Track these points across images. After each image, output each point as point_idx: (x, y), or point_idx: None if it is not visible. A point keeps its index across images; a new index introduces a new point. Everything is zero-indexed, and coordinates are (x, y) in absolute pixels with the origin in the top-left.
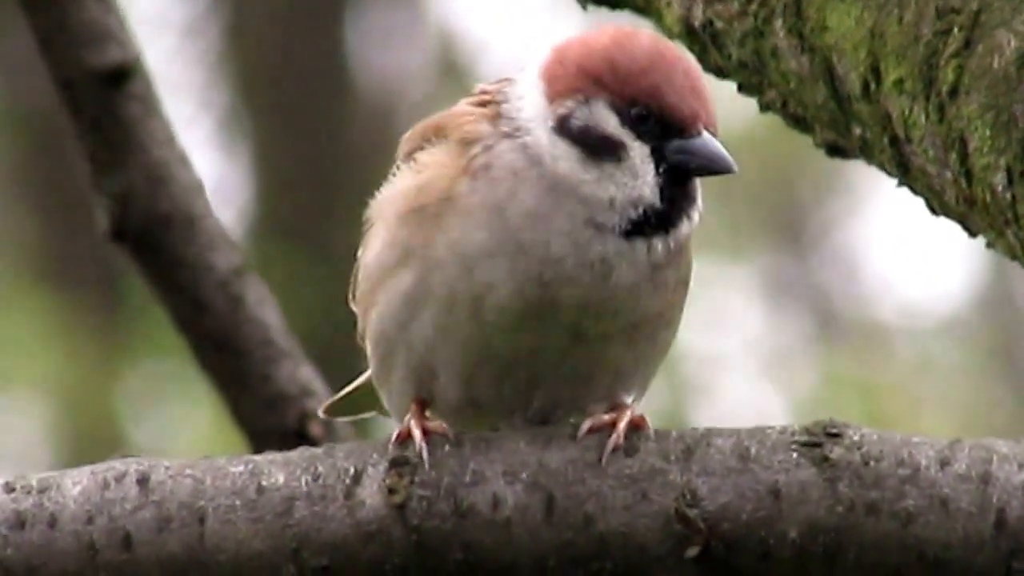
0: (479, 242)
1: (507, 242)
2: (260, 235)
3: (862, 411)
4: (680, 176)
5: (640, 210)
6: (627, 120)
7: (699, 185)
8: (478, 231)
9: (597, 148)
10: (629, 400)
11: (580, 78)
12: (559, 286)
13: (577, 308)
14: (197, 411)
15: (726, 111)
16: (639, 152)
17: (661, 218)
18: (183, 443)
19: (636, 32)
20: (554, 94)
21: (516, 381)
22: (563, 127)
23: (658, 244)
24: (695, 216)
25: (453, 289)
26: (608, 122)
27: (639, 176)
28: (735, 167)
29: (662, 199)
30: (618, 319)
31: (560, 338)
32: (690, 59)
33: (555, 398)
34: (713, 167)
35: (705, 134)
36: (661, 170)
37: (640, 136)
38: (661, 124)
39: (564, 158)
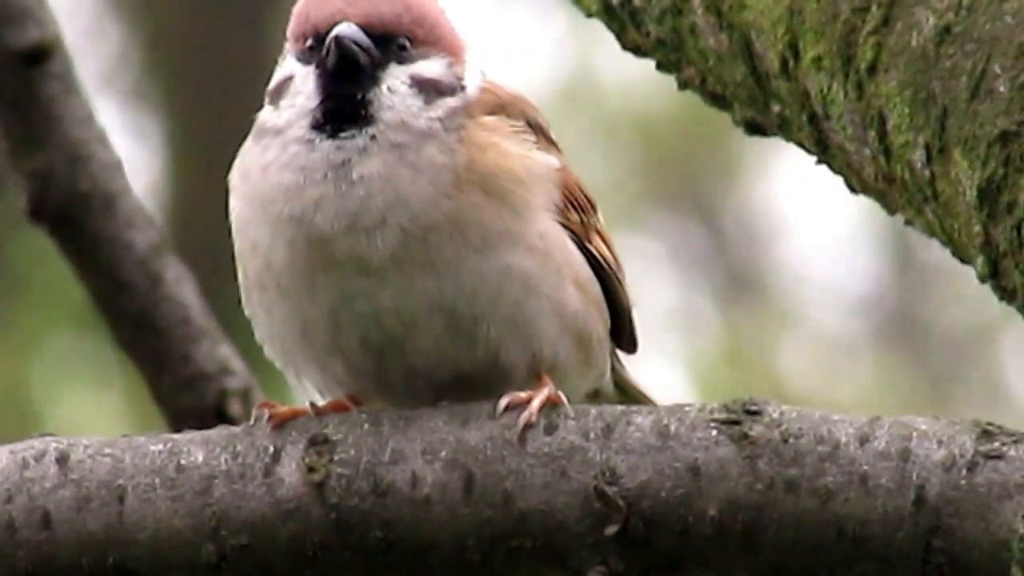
0: (240, 215)
1: (255, 204)
2: (177, 212)
3: (770, 386)
4: (333, 70)
5: (309, 118)
6: (302, 55)
7: (392, 76)
8: (240, 204)
9: (279, 91)
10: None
11: (286, 45)
12: (304, 214)
13: (332, 227)
14: (115, 391)
15: (646, 88)
16: (301, 73)
17: (340, 115)
18: (101, 423)
19: None
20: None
21: (365, 346)
22: (268, 92)
23: (357, 138)
24: (395, 102)
25: (248, 268)
26: (287, 65)
27: (300, 92)
28: (339, 31)
29: (324, 98)
30: (385, 233)
31: (355, 279)
32: None
33: (429, 357)
34: (329, 53)
35: (337, 28)
36: (318, 76)
37: (308, 62)
38: (319, 40)
39: (264, 113)
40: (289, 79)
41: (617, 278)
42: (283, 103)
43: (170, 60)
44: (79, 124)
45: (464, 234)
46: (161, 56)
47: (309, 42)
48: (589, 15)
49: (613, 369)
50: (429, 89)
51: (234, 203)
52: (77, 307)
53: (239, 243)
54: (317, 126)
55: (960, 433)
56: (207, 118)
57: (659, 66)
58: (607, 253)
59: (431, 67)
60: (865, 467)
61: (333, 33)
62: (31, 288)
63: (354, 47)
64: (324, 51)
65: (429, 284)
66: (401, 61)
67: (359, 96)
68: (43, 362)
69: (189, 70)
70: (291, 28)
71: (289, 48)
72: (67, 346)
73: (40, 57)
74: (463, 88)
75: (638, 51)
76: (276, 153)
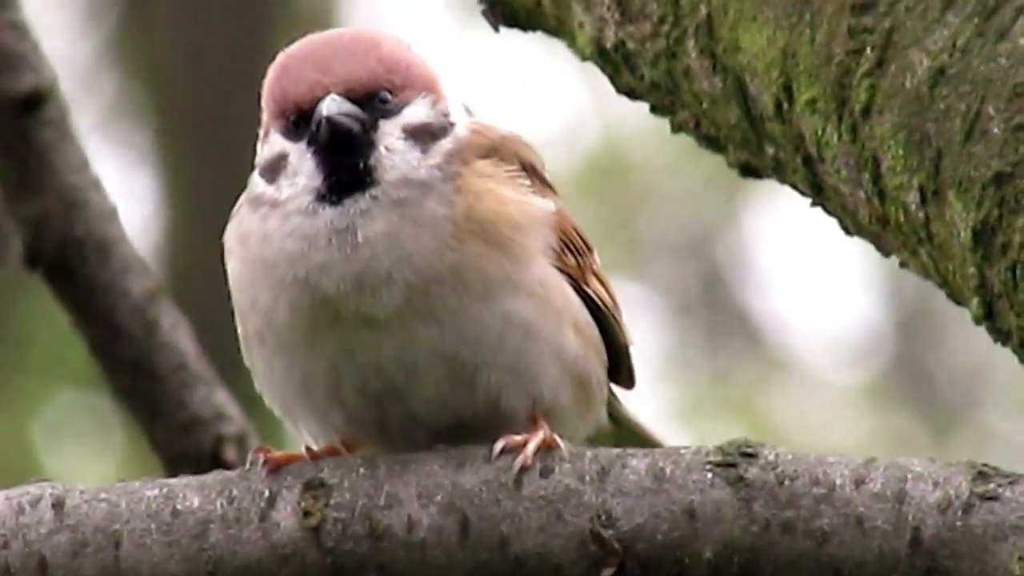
0: (240, 277)
1: (256, 267)
2: (173, 259)
3: (765, 430)
4: (329, 147)
5: (313, 194)
6: (288, 132)
7: (385, 134)
8: (240, 267)
9: (274, 169)
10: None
11: (264, 118)
12: (309, 278)
13: (338, 289)
14: (111, 436)
15: (638, 131)
16: (294, 151)
17: (345, 186)
18: (98, 469)
19: (292, 47)
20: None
21: (364, 395)
22: (260, 168)
23: (360, 201)
24: (395, 160)
25: (248, 324)
26: (274, 142)
27: (299, 172)
28: (328, 110)
29: (327, 175)
30: (391, 289)
31: (357, 333)
32: (338, 36)
33: (429, 404)
34: (320, 131)
35: (322, 102)
36: (314, 153)
37: (297, 139)
38: (302, 115)
39: (259, 186)
40: (283, 157)
41: (615, 318)
42: (282, 182)
43: (166, 106)
44: (74, 171)
45: (466, 283)
46: (158, 103)
47: (293, 118)
48: (584, 59)
49: (609, 404)
50: (423, 135)
51: (232, 265)
52: (78, 366)
53: (238, 300)
54: (320, 199)
55: (956, 475)
56: (204, 164)
57: (653, 109)
58: (604, 294)
59: (417, 112)
60: (861, 509)
61: (322, 113)
62: (33, 349)
63: (345, 121)
64: (315, 128)
65: (432, 334)
66: (388, 115)
67: (360, 165)
68: (44, 420)
69: (185, 116)
70: (268, 104)
71: (271, 123)
72: (67, 402)
73: (35, 103)
74: (452, 125)
75: (632, 94)
76: (277, 223)
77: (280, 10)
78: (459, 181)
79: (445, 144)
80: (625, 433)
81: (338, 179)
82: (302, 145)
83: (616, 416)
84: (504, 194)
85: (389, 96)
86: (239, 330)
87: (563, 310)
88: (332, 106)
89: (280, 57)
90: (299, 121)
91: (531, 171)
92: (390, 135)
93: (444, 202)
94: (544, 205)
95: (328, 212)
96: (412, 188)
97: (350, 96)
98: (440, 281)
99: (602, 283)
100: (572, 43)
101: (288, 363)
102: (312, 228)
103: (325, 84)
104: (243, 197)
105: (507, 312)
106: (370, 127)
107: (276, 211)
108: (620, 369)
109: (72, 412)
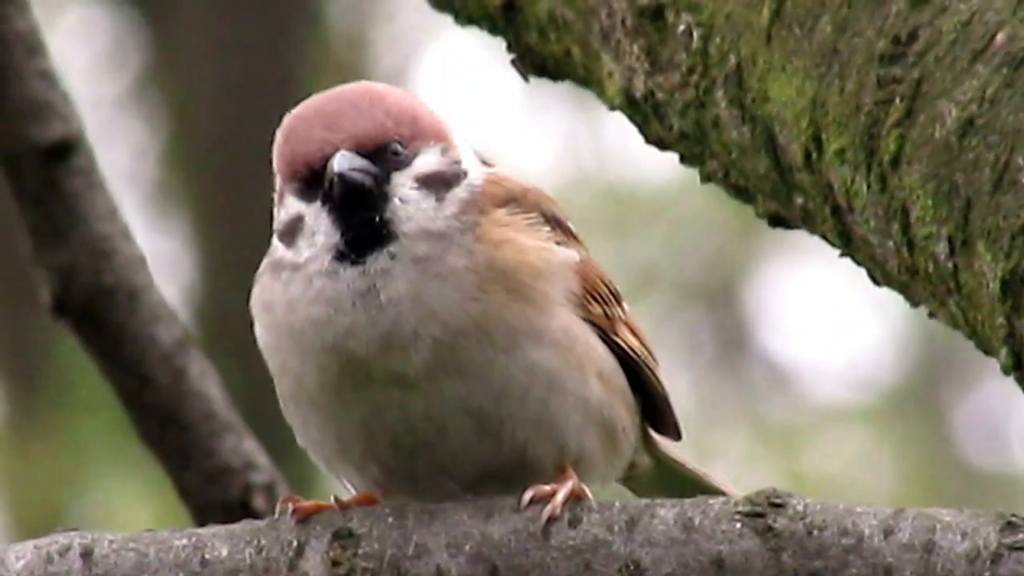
0: (268, 342)
1: (283, 334)
2: (203, 304)
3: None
4: (343, 204)
5: (332, 252)
6: (301, 193)
7: (399, 186)
8: (266, 333)
9: (292, 232)
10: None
11: (278, 182)
12: (336, 342)
13: (367, 350)
14: (139, 485)
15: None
16: (310, 212)
17: (363, 243)
18: (126, 518)
19: (297, 108)
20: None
21: (396, 449)
22: (278, 232)
23: (380, 259)
24: (411, 211)
25: (282, 385)
26: (290, 204)
27: (317, 232)
28: (339, 167)
29: (344, 232)
30: (419, 346)
31: (386, 391)
32: (346, 91)
33: (458, 457)
34: (333, 188)
35: (333, 159)
36: (329, 211)
37: (310, 199)
38: (314, 174)
39: (279, 251)
40: (299, 219)
41: (649, 368)
42: (301, 244)
43: (195, 153)
44: (102, 219)
45: (490, 335)
46: (186, 149)
47: (305, 178)
48: (612, 108)
49: (649, 445)
50: (436, 184)
51: (259, 332)
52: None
53: (270, 363)
54: (340, 257)
55: (984, 525)
56: (234, 207)
57: (682, 159)
58: (635, 343)
59: (429, 161)
60: (889, 559)
61: (333, 170)
62: (76, 393)
63: (356, 176)
64: (327, 186)
65: (459, 389)
66: (399, 167)
67: (376, 219)
68: (86, 466)
69: (214, 163)
70: (280, 168)
71: (283, 186)
72: (109, 449)
73: (64, 152)
74: (465, 173)
75: (661, 144)
76: (301, 288)
77: (311, 48)
78: (478, 231)
79: (459, 192)
80: (666, 472)
81: (355, 235)
82: (317, 204)
83: (657, 456)
84: (524, 242)
85: (399, 147)
86: (277, 389)
87: (586, 359)
88: (343, 162)
89: (286, 119)
90: (312, 181)
91: (554, 223)
92: (403, 186)
93: (464, 253)
94: (566, 253)
95: (349, 273)
96: (431, 241)
97: (360, 151)
98: (465, 334)
99: (634, 332)
100: (601, 93)
101: (322, 421)
102: (335, 292)
103: (334, 141)
104: (264, 262)
105: (531, 363)
106: (382, 180)
107: (298, 275)
108: (666, 421)
109: (106, 458)
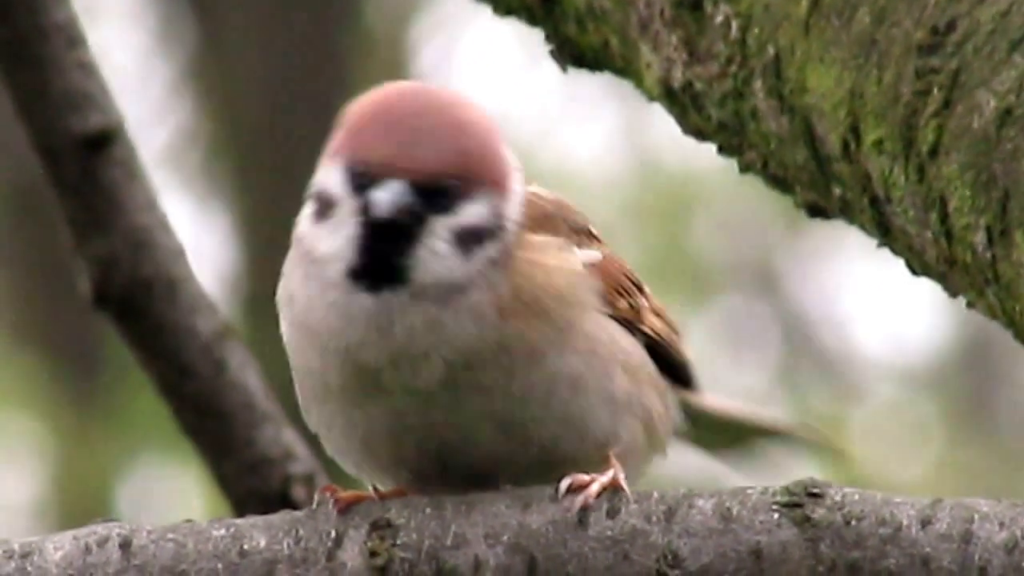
0: (291, 339)
1: (303, 332)
2: (242, 298)
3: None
4: (372, 231)
5: (346, 264)
6: (351, 178)
7: (432, 233)
8: (289, 329)
9: (323, 209)
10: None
11: (331, 149)
12: (348, 349)
13: (377, 362)
14: (179, 475)
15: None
16: (346, 205)
17: (376, 273)
18: (165, 508)
19: (389, 89)
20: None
21: (423, 453)
22: (312, 200)
23: (392, 298)
24: (432, 264)
25: (306, 385)
26: (333, 182)
27: (342, 229)
28: (384, 209)
29: (360, 253)
30: (429, 364)
31: (404, 399)
32: (430, 104)
33: (486, 458)
34: (371, 211)
35: (387, 183)
36: (359, 222)
37: (352, 191)
38: (367, 176)
39: (306, 223)
40: (335, 202)
41: (672, 346)
42: (324, 229)
43: (239, 140)
44: (142, 210)
45: (510, 354)
46: (231, 136)
47: (357, 171)
48: (651, 99)
49: (687, 405)
50: (468, 240)
51: (283, 327)
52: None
53: (294, 362)
54: (353, 276)
55: (1022, 515)
56: (277, 197)
57: (720, 149)
58: (660, 327)
59: (474, 212)
60: (927, 549)
61: (381, 196)
62: (103, 373)
63: (395, 215)
64: (366, 203)
65: (478, 401)
66: (443, 210)
67: (396, 259)
68: (138, 454)
69: (259, 150)
70: (342, 144)
71: (339, 158)
72: (133, 432)
73: (103, 143)
74: (503, 229)
75: (700, 135)
76: (318, 291)
77: (356, 41)
78: (509, 266)
79: (490, 250)
80: (707, 430)
81: (370, 262)
82: (354, 202)
83: (697, 416)
84: (550, 263)
85: (455, 190)
86: (298, 394)
87: (609, 358)
88: (390, 196)
89: (369, 104)
90: (361, 177)
91: (578, 231)
92: (436, 236)
93: (488, 288)
94: (589, 257)
95: (362, 297)
96: (449, 289)
97: (415, 183)
98: (481, 357)
99: (659, 314)
100: (639, 84)
101: (348, 425)
102: (348, 311)
103: (396, 166)
104: (290, 252)
105: (553, 372)
106: (420, 219)
107: (315, 271)
108: (687, 383)
109: (157, 448)
